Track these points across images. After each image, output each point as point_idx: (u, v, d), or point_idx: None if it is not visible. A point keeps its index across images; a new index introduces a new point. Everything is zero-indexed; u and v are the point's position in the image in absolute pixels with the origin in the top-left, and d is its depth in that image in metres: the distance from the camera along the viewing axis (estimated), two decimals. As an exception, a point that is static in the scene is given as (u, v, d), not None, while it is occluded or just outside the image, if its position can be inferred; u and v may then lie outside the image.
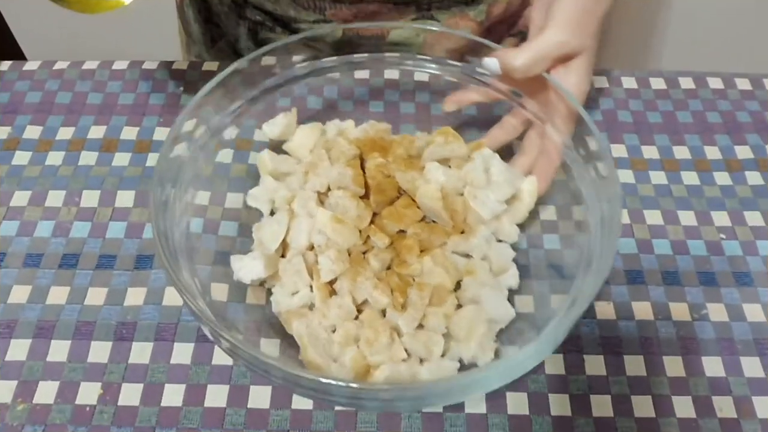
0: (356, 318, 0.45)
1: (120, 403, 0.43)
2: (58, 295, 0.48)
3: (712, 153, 0.58)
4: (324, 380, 0.35)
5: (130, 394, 0.44)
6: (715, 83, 0.64)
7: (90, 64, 0.64)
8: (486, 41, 0.51)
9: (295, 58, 0.53)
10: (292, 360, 0.45)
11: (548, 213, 0.53)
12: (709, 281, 0.50)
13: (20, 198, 0.53)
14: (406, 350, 0.44)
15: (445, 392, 0.38)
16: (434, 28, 0.53)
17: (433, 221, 0.50)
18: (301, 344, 0.44)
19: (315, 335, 0.44)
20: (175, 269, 0.40)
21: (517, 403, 0.44)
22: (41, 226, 0.52)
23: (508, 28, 0.74)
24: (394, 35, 0.65)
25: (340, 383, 0.35)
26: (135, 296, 0.48)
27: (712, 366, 0.46)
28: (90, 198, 0.54)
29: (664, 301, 0.49)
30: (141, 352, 0.45)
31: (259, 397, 0.44)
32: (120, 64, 0.64)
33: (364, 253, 0.48)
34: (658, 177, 0.57)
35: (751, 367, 0.46)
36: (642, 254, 0.52)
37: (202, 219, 0.49)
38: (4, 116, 0.59)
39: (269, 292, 0.48)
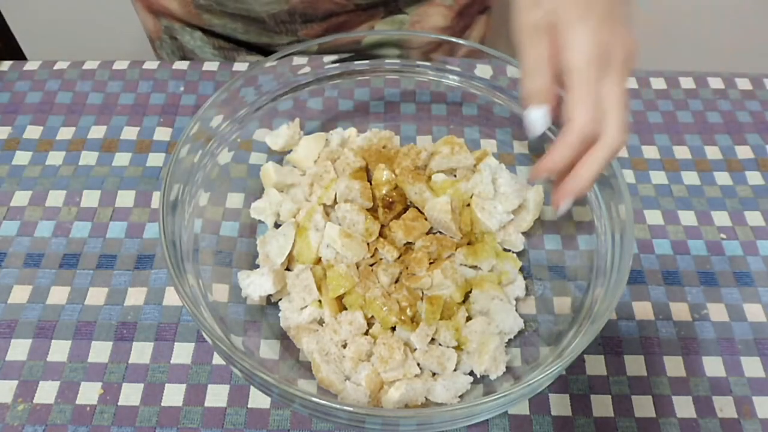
0: (366, 332, 0.45)
1: (120, 403, 0.43)
2: (58, 295, 0.48)
3: (713, 153, 0.58)
4: (364, 411, 0.36)
5: (131, 394, 0.44)
6: (716, 83, 0.64)
7: (90, 64, 0.64)
8: (456, 39, 0.52)
9: (297, 61, 0.53)
10: (294, 368, 0.45)
11: (550, 213, 0.53)
12: (710, 281, 0.50)
13: (21, 198, 0.53)
14: (418, 365, 0.44)
15: (472, 415, 0.38)
16: (404, 32, 0.53)
17: (440, 232, 0.50)
18: (313, 362, 0.44)
19: (326, 352, 0.43)
20: (183, 283, 0.40)
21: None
22: (42, 226, 0.52)
23: (479, 7, 0.74)
24: (369, 39, 0.65)
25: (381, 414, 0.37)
26: (135, 296, 0.48)
27: (713, 366, 0.46)
28: (90, 198, 0.54)
29: (665, 301, 0.49)
30: (141, 352, 0.45)
31: (260, 397, 0.44)
32: (120, 64, 0.64)
33: (371, 265, 0.48)
34: (659, 177, 0.57)
35: (752, 367, 0.46)
36: (642, 254, 0.52)
37: (206, 221, 0.49)
38: (4, 116, 0.59)
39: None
